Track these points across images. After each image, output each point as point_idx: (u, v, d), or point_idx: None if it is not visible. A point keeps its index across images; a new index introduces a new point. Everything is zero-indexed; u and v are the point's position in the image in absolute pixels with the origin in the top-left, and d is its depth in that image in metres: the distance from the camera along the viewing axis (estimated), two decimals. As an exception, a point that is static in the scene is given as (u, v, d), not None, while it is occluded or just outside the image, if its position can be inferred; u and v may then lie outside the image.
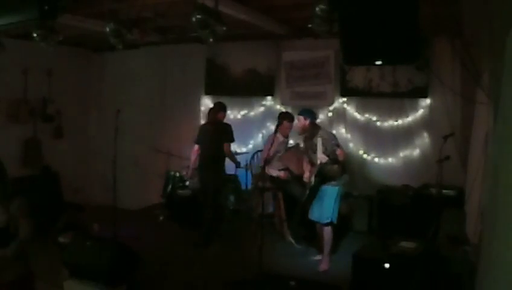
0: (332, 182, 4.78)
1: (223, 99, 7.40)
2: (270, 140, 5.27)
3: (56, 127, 7.45)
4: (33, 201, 6.02)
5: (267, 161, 4.91)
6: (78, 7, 4.74)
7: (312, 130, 4.79)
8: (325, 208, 4.77)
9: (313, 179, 4.78)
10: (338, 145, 4.66)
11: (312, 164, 4.85)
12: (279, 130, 5.22)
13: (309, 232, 5.37)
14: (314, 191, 4.83)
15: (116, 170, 5.34)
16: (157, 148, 7.06)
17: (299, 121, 4.87)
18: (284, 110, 6.91)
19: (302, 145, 5.19)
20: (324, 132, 4.86)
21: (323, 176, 4.72)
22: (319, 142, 4.59)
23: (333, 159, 4.55)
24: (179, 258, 5.15)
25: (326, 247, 4.87)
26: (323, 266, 4.85)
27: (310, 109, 5.07)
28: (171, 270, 4.74)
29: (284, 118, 5.55)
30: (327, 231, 4.83)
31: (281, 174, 5.53)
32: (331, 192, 4.79)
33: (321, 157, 4.51)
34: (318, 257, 5.07)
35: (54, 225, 5.65)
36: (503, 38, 2.45)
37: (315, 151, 4.66)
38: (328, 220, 4.77)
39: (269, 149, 5.20)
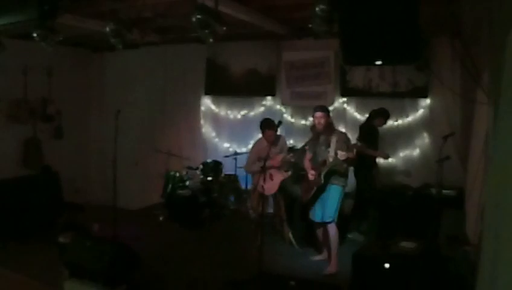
0: (337, 181, 4.72)
1: (223, 99, 7.46)
2: (256, 146, 5.58)
3: (56, 127, 7.45)
4: (33, 201, 6.10)
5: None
6: (78, 7, 4.75)
7: (329, 128, 4.73)
8: (329, 207, 4.69)
9: (322, 177, 4.67)
10: (353, 146, 4.60)
11: (322, 162, 4.71)
12: (264, 137, 5.56)
13: (309, 233, 5.36)
14: (321, 190, 4.74)
15: (116, 170, 5.33)
16: (157, 148, 7.07)
17: (323, 118, 4.69)
18: (284, 110, 6.94)
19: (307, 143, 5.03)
20: (339, 131, 4.87)
21: (331, 172, 4.65)
22: (333, 140, 4.56)
23: (350, 158, 4.52)
24: (179, 258, 5.14)
25: (333, 248, 4.74)
26: (331, 269, 4.70)
27: (326, 106, 5.02)
28: (171, 270, 4.73)
29: (265, 127, 5.52)
30: (332, 230, 4.73)
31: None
32: (335, 191, 4.72)
33: (341, 155, 4.41)
34: (317, 258, 5.06)
35: (54, 225, 5.65)
36: (503, 38, 2.45)
37: (326, 149, 4.63)
38: (331, 219, 4.70)
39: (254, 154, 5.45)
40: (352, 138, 6.30)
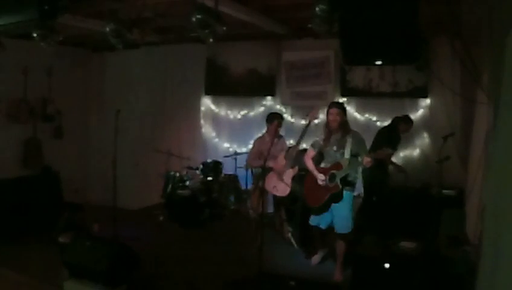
0: (349, 187, 4.35)
1: (223, 99, 7.46)
2: (258, 141, 5.59)
3: (56, 127, 7.46)
4: (33, 201, 6.10)
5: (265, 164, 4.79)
6: (78, 7, 4.75)
7: (345, 128, 4.35)
8: (345, 216, 4.32)
9: (339, 183, 4.22)
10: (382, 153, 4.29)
11: (334, 165, 4.30)
12: (267, 131, 5.51)
13: (308, 233, 5.33)
14: (338, 197, 4.30)
15: (116, 170, 5.33)
16: (157, 148, 7.07)
17: (338, 116, 4.29)
18: (284, 110, 6.94)
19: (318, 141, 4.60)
20: (355, 132, 4.42)
21: (345, 177, 4.27)
22: (349, 142, 4.23)
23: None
24: (179, 258, 5.14)
25: (340, 256, 4.49)
26: (338, 277, 4.45)
27: (343, 103, 4.68)
28: (171, 270, 4.73)
29: (274, 118, 5.50)
30: (343, 242, 4.46)
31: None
32: (349, 198, 4.34)
33: (367, 161, 4.07)
34: (316, 258, 4.90)
35: (54, 225, 5.65)
36: (503, 38, 2.45)
37: (338, 150, 4.30)
38: (349, 230, 4.36)
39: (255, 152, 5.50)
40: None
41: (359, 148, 4.26)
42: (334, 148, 4.34)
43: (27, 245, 5.43)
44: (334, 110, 4.32)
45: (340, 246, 4.48)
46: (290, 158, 5.24)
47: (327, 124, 4.39)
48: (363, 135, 5.74)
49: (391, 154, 5.71)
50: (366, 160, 4.08)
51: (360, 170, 4.51)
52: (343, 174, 4.22)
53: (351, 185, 4.37)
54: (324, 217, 4.45)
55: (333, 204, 4.34)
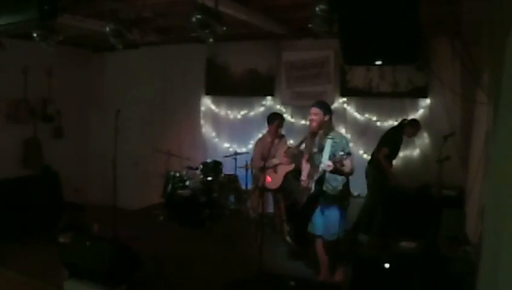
0: (334, 194, 4.08)
1: (223, 99, 7.46)
2: (260, 143, 5.67)
3: (56, 127, 7.46)
4: (33, 201, 6.11)
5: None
6: (78, 7, 4.75)
7: (326, 129, 4.06)
8: (330, 224, 4.11)
9: (312, 185, 4.04)
10: (349, 154, 3.90)
11: (313, 166, 4.13)
12: (268, 131, 5.60)
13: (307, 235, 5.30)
14: (313, 201, 4.10)
15: (116, 170, 5.33)
16: (157, 148, 7.07)
17: (317, 115, 4.04)
18: (284, 110, 6.94)
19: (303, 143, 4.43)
20: (337, 134, 4.16)
21: (323, 181, 4.02)
22: (328, 144, 3.95)
23: (339, 169, 3.87)
24: (179, 258, 5.15)
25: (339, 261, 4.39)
26: (339, 277, 4.36)
27: (327, 103, 4.37)
28: (170, 270, 4.74)
29: (275, 119, 5.58)
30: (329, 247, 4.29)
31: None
32: (337, 205, 4.13)
33: (326, 165, 3.79)
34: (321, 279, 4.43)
35: (54, 225, 5.65)
36: (503, 38, 2.45)
37: (319, 153, 4.07)
38: (335, 237, 4.14)
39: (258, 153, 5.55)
40: (352, 138, 6.36)
41: (340, 151, 3.88)
42: (315, 149, 4.12)
43: (27, 245, 5.44)
44: (313, 110, 4.07)
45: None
46: (289, 156, 5.28)
47: (309, 125, 4.18)
48: (363, 135, 5.70)
49: (389, 156, 5.72)
50: (327, 164, 3.80)
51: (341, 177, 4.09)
52: (315, 178, 4.00)
53: (335, 192, 4.05)
54: (317, 224, 4.23)
55: (324, 212, 4.14)
